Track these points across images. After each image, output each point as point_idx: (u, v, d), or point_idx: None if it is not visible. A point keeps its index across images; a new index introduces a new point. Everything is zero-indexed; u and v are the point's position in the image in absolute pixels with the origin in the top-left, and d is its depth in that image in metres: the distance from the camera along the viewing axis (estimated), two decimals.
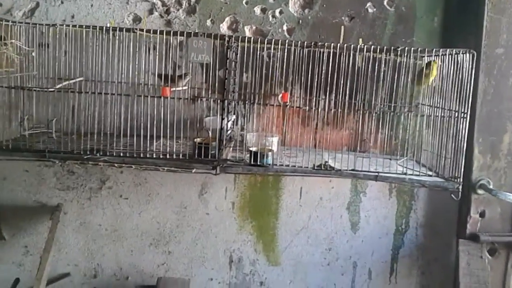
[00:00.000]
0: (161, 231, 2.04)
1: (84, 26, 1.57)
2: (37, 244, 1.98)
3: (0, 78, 1.59)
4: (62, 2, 1.87)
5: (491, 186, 1.91)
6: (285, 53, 1.67)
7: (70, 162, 1.59)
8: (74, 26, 1.57)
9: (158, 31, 1.56)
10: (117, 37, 1.61)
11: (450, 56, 1.63)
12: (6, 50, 1.58)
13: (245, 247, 2.09)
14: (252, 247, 2.09)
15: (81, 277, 2.04)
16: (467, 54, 1.57)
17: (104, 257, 2.04)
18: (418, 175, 1.65)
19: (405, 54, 1.64)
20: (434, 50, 1.64)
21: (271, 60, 1.81)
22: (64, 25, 1.56)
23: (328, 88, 1.71)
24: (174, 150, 1.58)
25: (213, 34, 1.53)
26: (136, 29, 1.55)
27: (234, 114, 1.88)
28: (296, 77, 1.78)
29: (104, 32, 1.58)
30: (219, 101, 1.60)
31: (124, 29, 1.55)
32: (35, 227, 1.98)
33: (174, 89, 1.64)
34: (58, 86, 1.55)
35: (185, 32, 1.55)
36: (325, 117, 1.93)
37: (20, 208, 1.96)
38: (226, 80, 1.57)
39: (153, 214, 2.03)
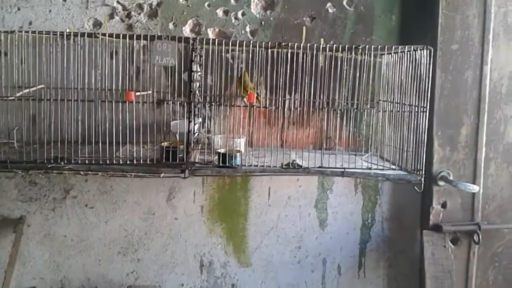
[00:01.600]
0: (129, 238, 2.01)
1: (44, 32, 1.53)
2: (0, 258, 1.91)
3: None
4: (19, 9, 1.82)
5: (451, 178, 1.99)
6: (249, 54, 1.68)
7: (34, 172, 1.54)
8: (33, 32, 1.53)
9: (121, 35, 1.54)
10: (78, 43, 1.58)
11: (408, 53, 1.69)
12: None
13: (215, 250, 2.08)
14: (223, 249, 2.09)
15: None
16: (425, 50, 1.63)
17: (70, 269, 1.99)
18: (382, 169, 1.70)
19: (366, 52, 1.69)
20: (393, 47, 1.69)
21: (236, 62, 1.82)
22: (23, 32, 1.52)
23: (292, 88, 1.73)
24: (141, 155, 1.56)
25: (177, 36, 1.52)
26: (98, 33, 1.52)
27: (200, 117, 1.88)
28: (261, 78, 1.79)
29: (64, 38, 1.54)
30: (185, 104, 1.60)
31: (85, 34, 1.52)
32: None
33: (138, 93, 1.62)
34: (18, 94, 1.50)
35: (148, 36, 1.54)
36: (290, 116, 1.95)
37: None
38: (191, 83, 1.56)
39: (120, 222, 1.99)
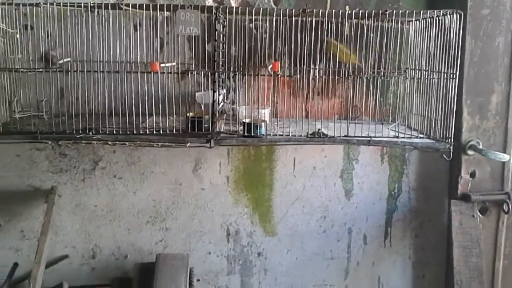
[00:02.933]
0: (157, 208, 2.05)
1: (68, 5, 1.54)
2: (33, 228, 1.97)
3: None
4: None
5: (480, 146, 1.95)
6: (273, 24, 1.66)
7: (63, 142, 1.57)
8: (58, 5, 1.54)
9: (144, 5, 1.54)
10: (102, 15, 1.58)
11: (437, 18, 1.64)
12: None
13: (241, 220, 2.11)
14: (249, 219, 2.11)
15: (79, 259, 2.04)
16: (454, 15, 1.58)
17: (101, 238, 2.04)
18: (410, 138, 1.67)
19: (393, 19, 1.65)
20: (421, 12, 1.64)
21: (259, 32, 1.80)
22: (48, 4, 1.53)
23: (317, 57, 1.71)
24: (167, 126, 1.58)
25: (200, 6, 1.51)
26: (122, 5, 1.52)
27: (224, 88, 1.88)
28: (284, 47, 1.77)
29: (88, 10, 1.55)
30: (209, 74, 1.59)
31: (109, 6, 1.53)
32: (30, 212, 1.97)
33: (163, 65, 1.63)
34: (47, 68, 1.53)
35: (171, 5, 1.53)
36: (315, 86, 1.93)
37: (14, 194, 1.94)
38: (215, 53, 1.56)
39: (148, 192, 2.03)
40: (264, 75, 1.71)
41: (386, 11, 1.61)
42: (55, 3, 1.53)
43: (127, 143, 1.57)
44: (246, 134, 1.60)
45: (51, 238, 1.92)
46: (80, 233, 2.03)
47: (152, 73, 1.57)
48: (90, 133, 1.53)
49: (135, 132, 1.56)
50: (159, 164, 2.01)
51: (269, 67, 1.68)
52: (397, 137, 1.66)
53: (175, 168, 2.02)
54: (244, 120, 1.63)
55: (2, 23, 1.60)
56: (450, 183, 2.07)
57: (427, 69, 1.71)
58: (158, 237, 2.07)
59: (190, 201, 2.06)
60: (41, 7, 1.53)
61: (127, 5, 1.53)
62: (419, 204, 2.17)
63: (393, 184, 2.14)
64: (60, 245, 2.02)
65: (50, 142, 1.55)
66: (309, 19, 1.65)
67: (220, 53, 1.61)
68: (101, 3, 1.54)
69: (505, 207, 1.99)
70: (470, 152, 1.96)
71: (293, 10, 1.63)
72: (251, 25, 1.83)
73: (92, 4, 1.53)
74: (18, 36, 1.66)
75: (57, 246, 2.01)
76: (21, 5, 1.56)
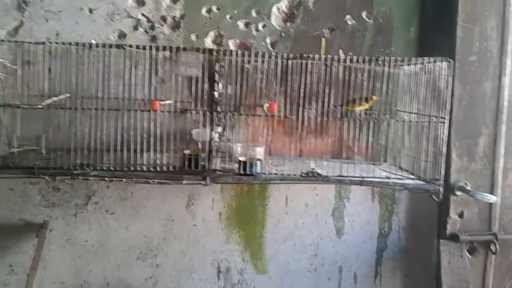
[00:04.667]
0: (148, 244, 2.04)
1: (72, 43, 1.58)
2: (22, 262, 1.95)
3: None
4: (46, 20, 1.87)
5: (468, 188, 1.99)
6: (270, 65, 1.71)
7: (60, 178, 1.58)
8: (63, 43, 1.57)
9: (147, 46, 1.58)
10: (105, 53, 1.62)
11: (427, 64, 1.71)
12: None
13: (232, 257, 2.11)
14: (240, 256, 2.11)
15: None
16: (444, 62, 1.65)
17: (91, 273, 2.02)
18: (401, 179, 1.71)
19: (385, 64, 1.71)
20: (413, 59, 1.71)
21: (256, 72, 1.84)
22: (54, 43, 1.56)
23: (311, 98, 1.76)
24: (164, 162, 1.60)
25: (201, 48, 1.56)
26: (125, 44, 1.56)
27: (220, 126, 1.90)
28: (280, 88, 1.82)
29: (92, 49, 1.58)
30: (207, 113, 1.63)
31: (112, 45, 1.57)
32: (20, 246, 1.95)
33: (162, 102, 1.66)
34: (47, 102, 1.55)
35: (174, 47, 1.57)
36: (309, 126, 1.97)
37: (4, 227, 1.93)
38: (213, 92, 1.60)
39: (140, 228, 2.03)
40: (261, 116, 1.75)
41: (379, 57, 1.67)
42: (60, 42, 1.57)
43: (123, 179, 1.59)
44: (241, 172, 1.63)
45: (40, 273, 1.89)
46: (70, 269, 2.01)
47: (151, 111, 1.60)
48: (88, 169, 1.54)
49: (132, 169, 1.58)
50: (152, 200, 2.01)
51: (265, 107, 1.72)
52: (389, 178, 1.70)
53: (168, 204, 2.03)
54: (239, 159, 1.66)
55: (4, 59, 1.63)
56: (439, 223, 2.10)
57: (417, 112, 1.77)
58: (148, 274, 2.06)
59: (182, 237, 2.06)
60: (46, 45, 1.56)
61: (130, 45, 1.57)
62: (409, 243, 2.19)
63: (383, 223, 2.17)
64: (48, 280, 2.00)
65: (47, 178, 1.55)
66: (305, 61, 1.70)
67: (218, 92, 1.65)
68: (104, 43, 1.57)
69: (492, 247, 2.03)
70: (458, 193, 2.01)
71: (290, 54, 1.68)
72: (248, 65, 1.88)
73: (96, 44, 1.56)
74: (19, 72, 1.69)
75: (45, 282, 1.99)
76: (26, 43, 1.59)
